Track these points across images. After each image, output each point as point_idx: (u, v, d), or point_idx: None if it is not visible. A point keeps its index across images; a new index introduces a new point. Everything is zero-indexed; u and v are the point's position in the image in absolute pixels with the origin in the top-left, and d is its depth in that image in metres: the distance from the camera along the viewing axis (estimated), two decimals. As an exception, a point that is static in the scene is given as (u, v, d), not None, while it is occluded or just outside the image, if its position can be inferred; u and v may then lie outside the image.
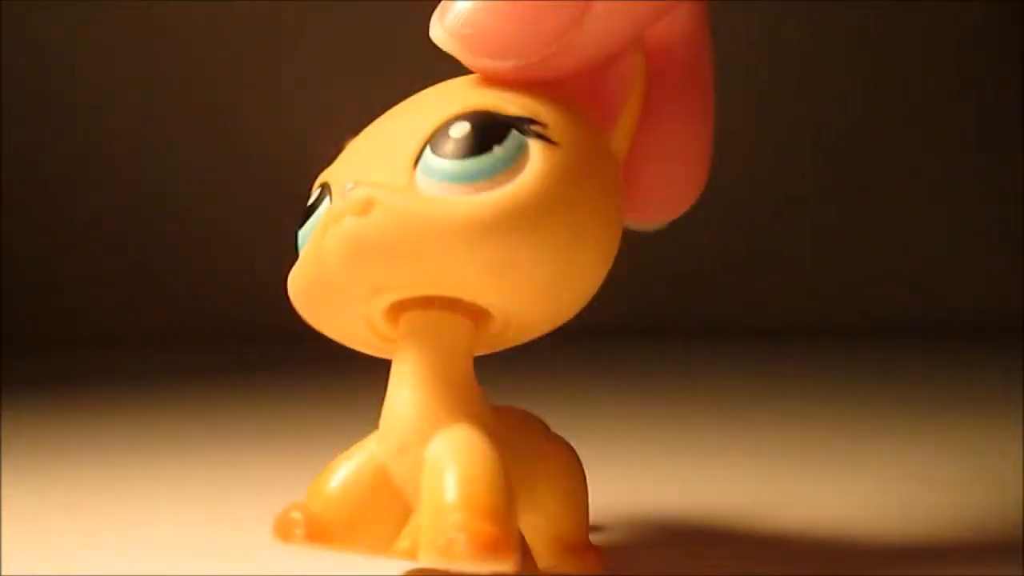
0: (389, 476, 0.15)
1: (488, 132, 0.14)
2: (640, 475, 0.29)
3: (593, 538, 0.19)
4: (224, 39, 0.69)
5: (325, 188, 0.15)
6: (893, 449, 0.32)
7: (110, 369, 0.55)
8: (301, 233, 0.15)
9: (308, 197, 0.16)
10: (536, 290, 0.14)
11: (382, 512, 0.15)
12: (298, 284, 0.15)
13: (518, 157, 0.14)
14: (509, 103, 0.14)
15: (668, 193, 0.17)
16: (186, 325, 0.65)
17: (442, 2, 0.14)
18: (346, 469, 0.15)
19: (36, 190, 0.69)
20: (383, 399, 0.15)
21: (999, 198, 0.67)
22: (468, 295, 0.14)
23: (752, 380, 0.47)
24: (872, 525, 0.23)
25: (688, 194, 0.17)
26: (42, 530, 0.25)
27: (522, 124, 0.14)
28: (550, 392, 0.42)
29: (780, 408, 0.40)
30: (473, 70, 0.15)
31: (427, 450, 0.14)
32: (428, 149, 0.14)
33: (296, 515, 0.16)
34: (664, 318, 0.61)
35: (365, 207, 0.13)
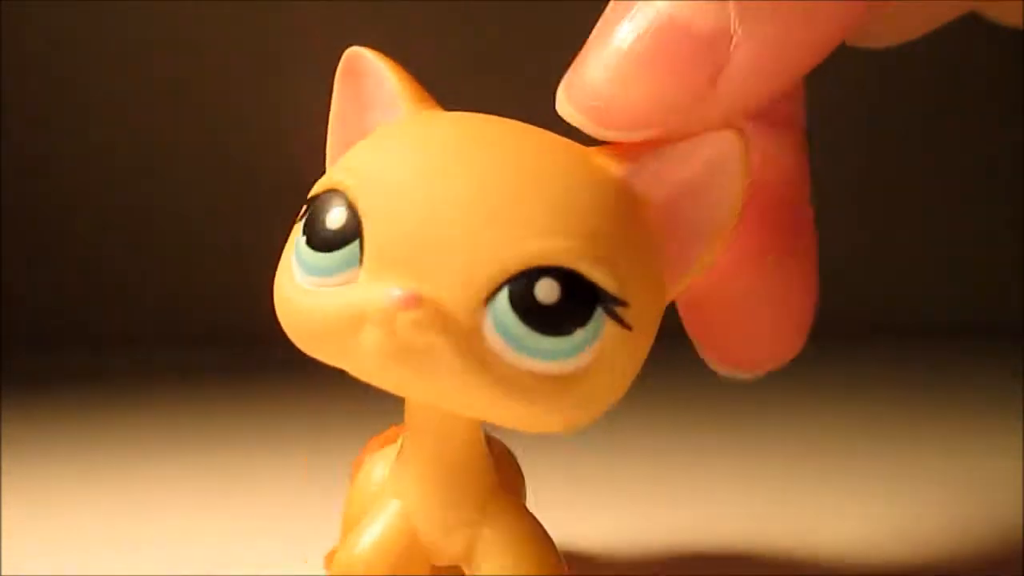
0: (419, 541, 0.15)
1: (575, 310, 0.13)
2: (637, 477, 0.29)
3: (593, 539, 0.19)
4: (226, 40, 0.69)
5: (354, 219, 0.13)
6: (893, 449, 0.32)
7: (110, 369, 0.55)
8: (308, 252, 0.14)
9: (316, 188, 0.14)
10: (550, 428, 0.14)
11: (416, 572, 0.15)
12: (301, 323, 0.14)
13: (593, 342, 0.13)
14: (603, 259, 0.13)
15: (761, 349, 0.16)
16: (186, 325, 0.65)
17: (567, 75, 0.14)
18: (375, 534, 0.15)
19: (36, 190, 0.69)
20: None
21: (999, 198, 0.67)
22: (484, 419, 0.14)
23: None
24: (872, 525, 0.23)
25: (783, 351, 0.16)
26: (42, 530, 0.25)
27: (608, 303, 0.13)
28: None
29: (779, 408, 0.40)
30: (601, 139, 0.14)
31: (484, 533, 0.15)
32: (506, 295, 0.12)
33: None
34: (664, 318, 0.60)
35: (423, 343, 0.12)
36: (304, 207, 0.14)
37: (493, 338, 0.13)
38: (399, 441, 0.17)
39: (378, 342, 0.13)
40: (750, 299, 0.15)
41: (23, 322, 0.63)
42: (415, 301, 0.12)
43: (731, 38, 0.13)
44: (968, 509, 0.24)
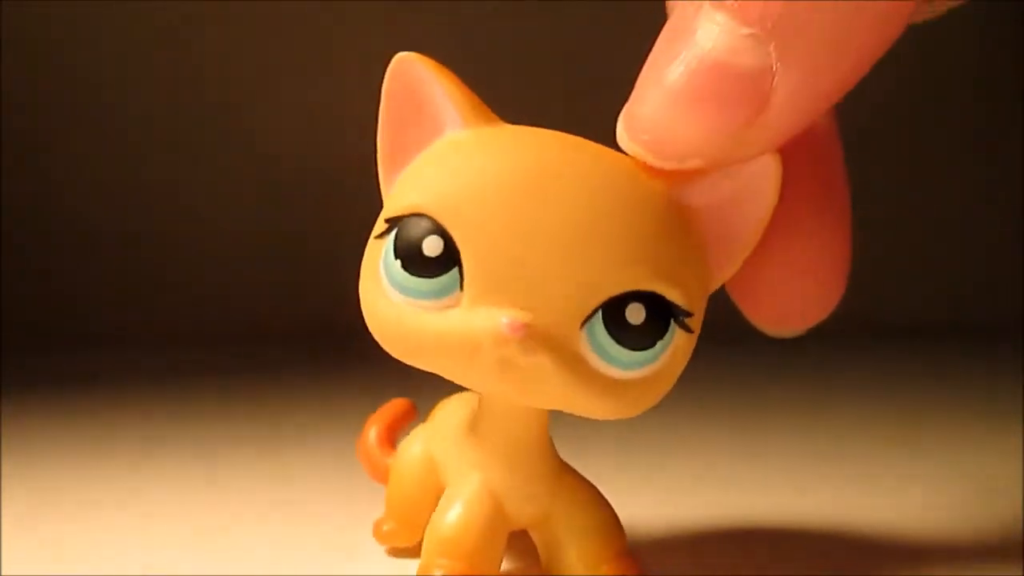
0: (503, 508, 0.17)
1: (658, 327, 0.15)
2: (637, 477, 0.29)
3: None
4: (228, 38, 0.69)
5: (451, 246, 0.15)
6: (892, 449, 0.32)
7: (110, 369, 0.55)
8: (405, 275, 0.15)
9: (390, 212, 0.15)
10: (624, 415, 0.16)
11: (501, 542, 0.18)
12: (405, 340, 0.15)
13: (667, 349, 0.15)
14: (675, 279, 0.15)
15: (805, 304, 0.17)
16: (186, 325, 0.65)
17: (625, 109, 0.15)
18: (464, 503, 0.17)
19: (36, 190, 0.69)
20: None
21: (999, 198, 0.67)
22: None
23: (751, 380, 0.47)
24: (871, 525, 0.23)
25: (826, 304, 0.17)
26: (42, 530, 0.25)
27: (681, 317, 0.15)
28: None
29: (778, 408, 0.40)
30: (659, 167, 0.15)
31: (558, 502, 0.18)
32: (600, 316, 0.14)
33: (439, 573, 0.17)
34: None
35: (532, 364, 0.14)
36: (386, 225, 0.15)
37: (590, 355, 0.15)
38: (436, 418, 0.20)
39: (492, 364, 0.14)
40: (792, 254, 0.16)
41: (23, 322, 0.63)
42: (524, 328, 0.14)
43: (772, 76, 0.14)
44: (968, 509, 0.24)
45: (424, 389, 0.20)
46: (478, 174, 0.15)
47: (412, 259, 0.15)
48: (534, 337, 0.14)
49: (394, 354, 0.15)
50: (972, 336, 0.56)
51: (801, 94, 0.14)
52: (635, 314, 0.14)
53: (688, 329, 0.15)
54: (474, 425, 0.18)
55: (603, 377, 0.15)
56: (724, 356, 0.52)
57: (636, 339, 0.15)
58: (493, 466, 0.17)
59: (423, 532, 0.18)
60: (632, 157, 0.15)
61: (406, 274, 0.15)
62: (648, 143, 0.14)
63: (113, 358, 0.58)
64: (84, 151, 0.69)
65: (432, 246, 0.15)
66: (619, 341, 0.14)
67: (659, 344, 0.15)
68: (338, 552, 0.22)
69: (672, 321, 0.15)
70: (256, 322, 0.63)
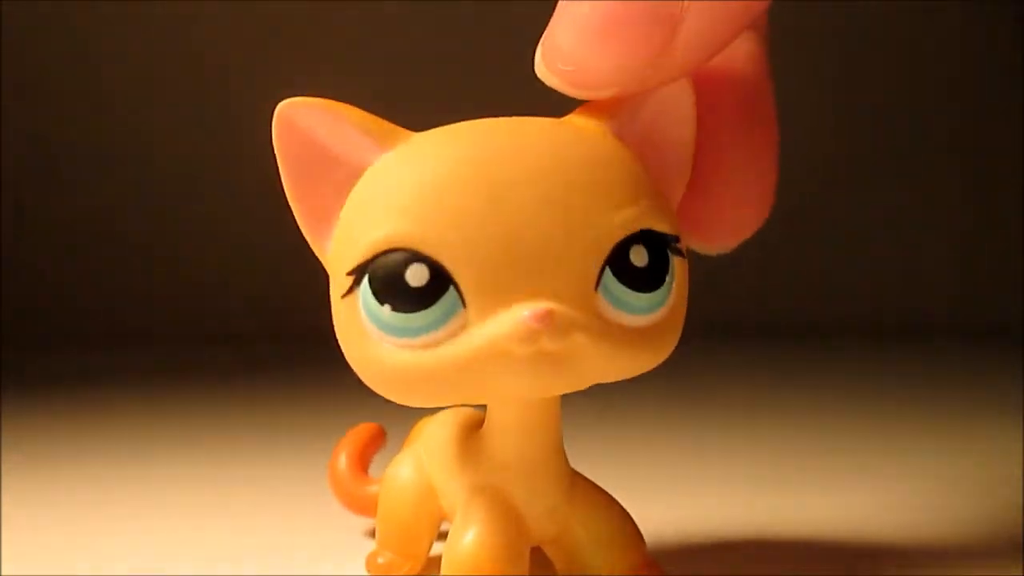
0: (524, 526, 0.16)
1: (661, 261, 0.14)
2: (636, 478, 0.29)
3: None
4: (230, 37, 0.69)
5: (437, 268, 0.14)
6: (892, 450, 0.32)
7: (110, 369, 0.55)
8: (397, 316, 0.14)
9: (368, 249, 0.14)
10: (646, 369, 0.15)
11: (525, 560, 0.16)
12: (421, 383, 0.14)
13: (674, 281, 0.15)
14: (655, 210, 0.15)
15: (733, 217, 0.17)
16: (186, 325, 0.65)
17: (542, 41, 0.15)
18: (482, 523, 0.16)
19: (36, 190, 0.69)
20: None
21: (999, 198, 0.67)
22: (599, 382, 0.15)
23: (750, 380, 0.47)
24: (870, 525, 0.23)
25: (753, 218, 0.18)
26: (42, 530, 0.25)
27: (671, 243, 0.15)
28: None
29: (778, 408, 0.40)
30: (577, 99, 0.15)
31: (576, 511, 0.17)
32: (610, 272, 0.14)
33: None
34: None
35: (564, 349, 0.14)
36: (351, 278, 0.14)
37: (614, 314, 0.14)
38: (423, 440, 0.19)
39: (532, 362, 0.13)
40: (721, 170, 0.17)
41: (23, 322, 0.63)
42: (548, 314, 0.13)
43: (682, 3, 0.14)
44: (968, 509, 0.24)
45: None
46: (432, 185, 0.14)
47: (399, 297, 0.14)
48: (562, 319, 0.13)
49: (418, 404, 0.14)
50: (972, 336, 0.56)
51: (712, 21, 0.14)
52: (639, 256, 0.14)
53: (681, 254, 0.15)
54: (482, 444, 0.17)
55: (632, 331, 0.14)
56: (719, 354, 0.52)
57: (648, 280, 0.14)
58: (510, 482, 0.16)
59: (423, 561, 0.17)
60: (557, 117, 0.15)
61: (398, 315, 0.14)
62: (566, 74, 0.15)
63: (113, 358, 0.58)
64: (84, 152, 0.69)
65: (416, 275, 0.13)
66: (635, 288, 0.14)
67: (668, 278, 0.15)
68: (340, 554, 0.22)
69: (668, 252, 0.15)
70: (255, 322, 0.63)
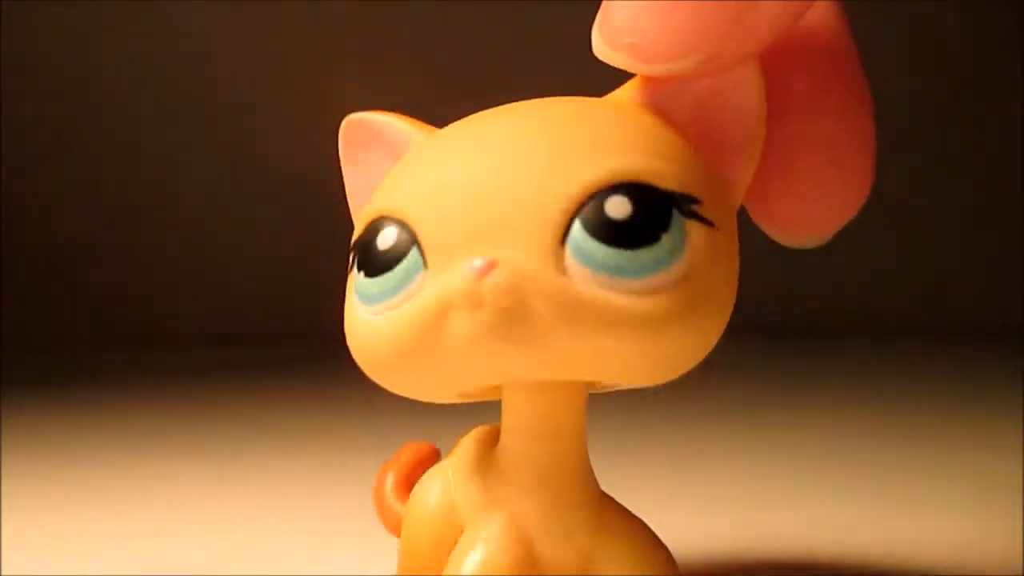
0: (534, 551, 0.14)
1: (653, 216, 0.12)
2: (637, 477, 0.29)
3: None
4: (231, 37, 0.69)
5: (405, 231, 0.13)
6: (892, 449, 0.32)
7: (110, 369, 0.55)
8: (369, 282, 0.13)
9: (356, 226, 0.14)
10: (672, 371, 0.13)
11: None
12: (382, 352, 0.13)
13: (684, 246, 0.12)
14: (657, 166, 0.13)
15: (830, 198, 0.16)
16: (186, 325, 0.65)
17: (599, 18, 0.14)
18: (487, 549, 0.14)
19: (37, 191, 0.69)
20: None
21: (999, 198, 0.67)
22: (601, 379, 0.13)
23: (750, 380, 0.47)
24: (871, 524, 0.23)
25: (852, 202, 0.16)
26: (42, 530, 0.25)
27: (682, 204, 0.12)
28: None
29: (778, 408, 0.40)
30: (642, 75, 0.14)
31: (602, 540, 0.14)
32: (579, 225, 0.12)
33: None
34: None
35: (515, 306, 0.12)
36: (351, 255, 0.14)
37: (580, 272, 0.12)
38: (456, 455, 0.16)
39: (470, 323, 0.12)
40: (810, 156, 0.15)
41: (23, 322, 0.63)
42: (490, 265, 0.12)
43: None
44: (968, 509, 0.24)
45: (435, 409, 0.18)
46: (419, 155, 0.14)
47: (370, 261, 0.13)
48: (504, 269, 0.12)
49: (391, 383, 0.13)
50: (972, 336, 0.56)
51: None
52: (617, 208, 0.12)
53: (704, 220, 0.13)
54: (499, 455, 0.15)
55: (619, 308, 0.12)
56: (719, 354, 0.52)
57: (630, 235, 0.12)
58: (521, 497, 0.14)
59: None
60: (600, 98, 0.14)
61: (368, 280, 0.13)
62: (632, 46, 0.13)
63: (113, 358, 0.58)
64: (84, 153, 0.69)
65: (386, 238, 0.13)
66: (609, 242, 0.12)
67: (665, 238, 0.12)
68: (341, 553, 0.22)
69: (673, 210, 0.12)
70: (256, 322, 0.63)
